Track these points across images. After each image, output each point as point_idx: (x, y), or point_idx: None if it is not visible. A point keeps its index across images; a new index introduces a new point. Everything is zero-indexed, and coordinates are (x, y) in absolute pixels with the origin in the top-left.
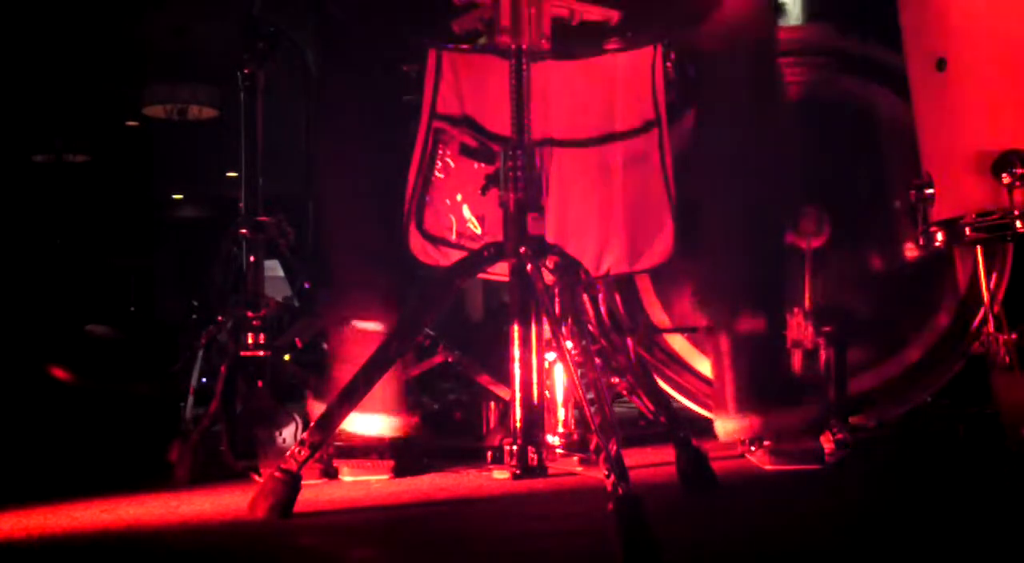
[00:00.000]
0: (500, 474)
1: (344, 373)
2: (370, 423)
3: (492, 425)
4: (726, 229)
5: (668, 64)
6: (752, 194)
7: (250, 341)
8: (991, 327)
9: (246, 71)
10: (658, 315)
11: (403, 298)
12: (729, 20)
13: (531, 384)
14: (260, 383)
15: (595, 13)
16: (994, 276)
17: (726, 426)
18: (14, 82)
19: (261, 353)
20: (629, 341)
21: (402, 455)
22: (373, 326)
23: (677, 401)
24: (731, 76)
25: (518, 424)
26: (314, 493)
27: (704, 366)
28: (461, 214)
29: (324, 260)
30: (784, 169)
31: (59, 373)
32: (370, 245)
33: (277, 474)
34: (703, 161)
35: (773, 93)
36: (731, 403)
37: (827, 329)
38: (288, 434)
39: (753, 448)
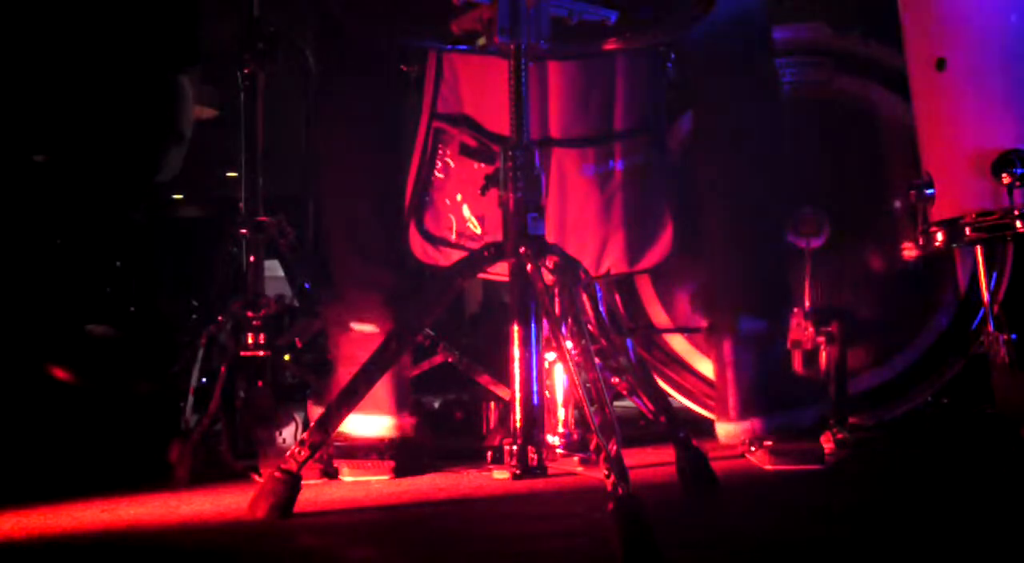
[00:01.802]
0: (500, 474)
1: (344, 376)
2: (367, 424)
3: (492, 425)
4: (726, 231)
5: (667, 64)
6: (752, 195)
7: (250, 341)
8: (991, 327)
9: (246, 71)
10: (658, 315)
11: (403, 298)
12: (727, 20)
13: (531, 384)
14: (260, 383)
15: (594, 13)
16: (994, 276)
17: (728, 430)
18: (13, 81)
19: (261, 353)
20: (629, 341)
21: (402, 455)
22: (372, 328)
23: (677, 401)
24: (730, 76)
25: (518, 424)
26: (314, 493)
27: (704, 366)
28: (461, 214)
29: (324, 260)
30: (784, 169)
31: (59, 373)
32: (370, 245)
33: (277, 474)
34: (702, 162)
35: (772, 92)
36: (733, 408)
37: (827, 329)
38: (288, 434)
39: (753, 448)
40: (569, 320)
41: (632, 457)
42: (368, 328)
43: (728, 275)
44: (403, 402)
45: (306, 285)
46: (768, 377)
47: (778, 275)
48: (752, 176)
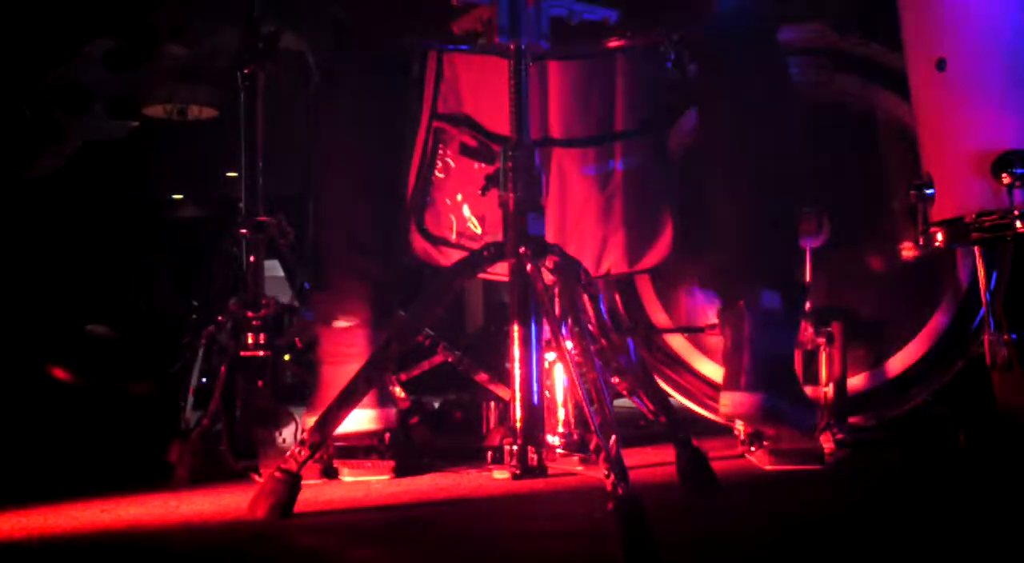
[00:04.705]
0: (500, 474)
1: (327, 374)
2: (349, 418)
3: (492, 425)
4: (740, 211)
5: (667, 65)
6: (766, 177)
7: (250, 341)
8: (991, 327)
9: (246, 71)
10: (658, 315)
11: (390, 290)
12: (732, 15)
13: (531, 384)
14: (260, 383)
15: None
16: (994, 276)
17: (733, 399)
18: (12, 80)
19: (261, 353)
20: (629, 341)
21: (402, 455)
22: (350, 322)
23: (677, 401)
24: (740, 69)
25: (518, 424)
26: (314, 493)
27: (704, 366)
28: (461, 214)
29: (318, 261)
30: (797, 160)
31: (59, 373)
32: (363, 239)
33: (277, 474)
34: (715, 153)
35: (782, 82)
36: (743, 380)
37: (827, 329)
38: (288, 434)
39: (753, 448)
40: (569, 320)
41: (632, 457)
42: (346, 323)
43: (745, 253)
44: (384, 395)
45: (306, 285)
46: (779, 359)
47: (791, 255)
48: (765, 159)
